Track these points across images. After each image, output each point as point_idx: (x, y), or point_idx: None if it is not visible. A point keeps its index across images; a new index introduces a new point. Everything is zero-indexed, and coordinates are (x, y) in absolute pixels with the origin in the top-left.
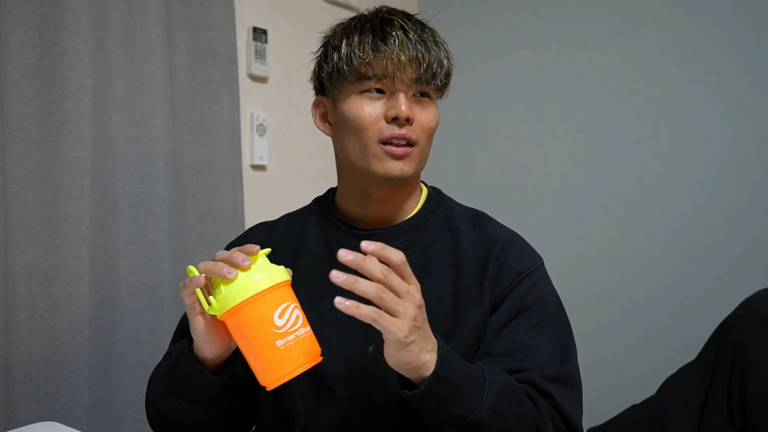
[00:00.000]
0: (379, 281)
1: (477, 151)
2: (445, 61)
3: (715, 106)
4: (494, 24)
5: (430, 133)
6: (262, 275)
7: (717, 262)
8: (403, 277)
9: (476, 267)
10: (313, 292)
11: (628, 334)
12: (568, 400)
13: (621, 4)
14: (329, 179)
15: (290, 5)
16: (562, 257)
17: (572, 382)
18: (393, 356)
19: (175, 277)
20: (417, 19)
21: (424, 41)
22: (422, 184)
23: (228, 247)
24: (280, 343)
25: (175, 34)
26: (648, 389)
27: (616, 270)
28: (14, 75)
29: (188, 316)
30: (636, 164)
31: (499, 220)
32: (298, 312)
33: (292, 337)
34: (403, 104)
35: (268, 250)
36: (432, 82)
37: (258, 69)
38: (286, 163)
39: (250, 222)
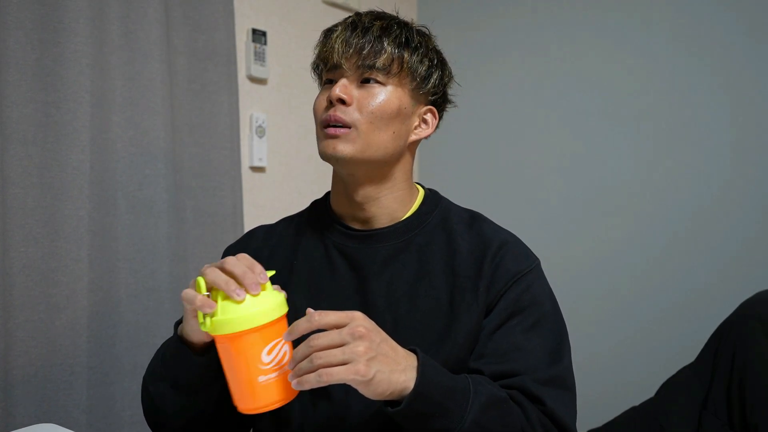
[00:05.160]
0: (306, 356)
1: (474, 153)
2: (389, 47)
3: (712, 108)
4: (492, 27)
5: (371, 117)
6: (263, 308)
7: (716, 264)
8: (327, 326)
9: (472, 268)
10: (311, 294)
11: (627, 336)
12: (559, 403)
13: (619, 8)
14: (328, 181)
15: (289, 7)
16: (559, 259)
17: (564, 383)
18: (368, 394)
19: (174, 278)
20: (381, 15)
21: (368, 31)
22: (419, 186)
23: (226, 252)
24: (262, 379)
25: (175, 35)
26: (647, 391)
27: (614, 272)
28: (13, 77)
29: (184, 315)
30: (634, 166)
31: (496, 222)
32: (287, 348)
33: (274, 374)
34: (337, 88)
35: (273, 272)
36: (373, 66)
37: (257, 71)
38: (285, 164)
39: (249, 223)
